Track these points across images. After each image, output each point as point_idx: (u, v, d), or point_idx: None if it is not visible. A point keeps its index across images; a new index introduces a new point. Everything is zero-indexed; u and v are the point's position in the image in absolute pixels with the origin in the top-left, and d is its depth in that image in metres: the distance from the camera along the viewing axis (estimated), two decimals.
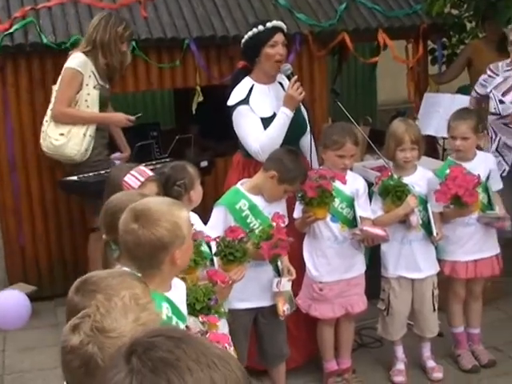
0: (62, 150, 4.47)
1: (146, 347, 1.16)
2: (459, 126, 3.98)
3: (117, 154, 4.87)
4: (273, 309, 3.60)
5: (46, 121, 4.55)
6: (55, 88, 4.53)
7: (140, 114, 4.74)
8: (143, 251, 2.29)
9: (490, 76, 4.87)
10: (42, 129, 4.59)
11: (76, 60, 4.44)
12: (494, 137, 4.82)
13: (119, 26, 4.51)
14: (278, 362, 3.77)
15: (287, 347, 3.76)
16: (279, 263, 3.58)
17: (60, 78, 4.49)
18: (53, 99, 4.53)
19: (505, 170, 4.60)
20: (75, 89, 4.44)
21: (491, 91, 4.81)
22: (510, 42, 4.69)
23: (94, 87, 4.49)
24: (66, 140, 4.45)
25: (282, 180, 3.51)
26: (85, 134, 4.45)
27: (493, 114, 4.78)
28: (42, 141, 4.58)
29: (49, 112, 4.55)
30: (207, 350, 1.17)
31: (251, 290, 3.55)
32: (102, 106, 4.57)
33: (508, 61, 4.81)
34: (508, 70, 4.76)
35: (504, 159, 4.67)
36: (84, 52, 4.47)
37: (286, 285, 3.55)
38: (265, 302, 3.63)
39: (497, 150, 4.78)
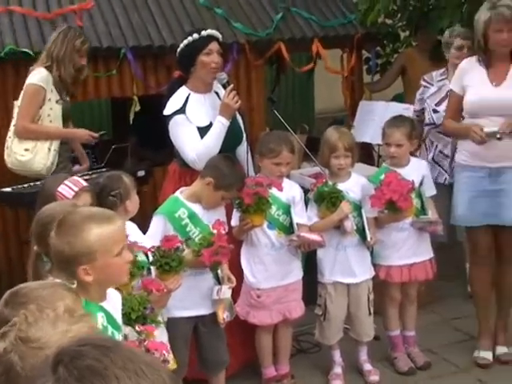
0: (29, 166, 4.42)
1: (73, 356, 1.15)
2: (393, 133, 4.08)
3: (76, 167, 4.83)
4: (213, 317, 3.61)
5: (10, 137, 4.49)
6: (17, 104, 4.48)
7: (104, 132, 4.72)
8: (56, 260, 2.29)
9: (425, 87, 4.97)
10: (5, 145, 4.53)
11: (38, 76, 4.40)
12: (430, 146, 4.93)
13: (77, 39, 4.48)
14: (218, 369, 3.78)
15: (227, 354, 3.78)
16: (219, 271, 3.59)
17: (22, 93, 4.44)
18: (15, 115, 4.48)
19: (446, 178, 4.67)
20: (38, 104, 4.40)
21: (425, 101, 4.92)
22: (456, 46, 4.74)
23: (57, 102, 4.45)
24: (32, 155, 4.40)
25: (218, 186, 3.53)
26: (49, 149, 4.41)
27: (428, 124, 4.89)
28: (6, 157, 4.51)
29: (12, 128, 4.49)
30: (135, 358, 1.17)
31: (191, 298, 3.56)
32: (65, 121, 4.55)
33: (442, 70, 4.91)
34: (442, 80, 4.86)
35: (442, 168, 4.77)
36: (45, 67, 4.43)
37: (226, 292, 3.56)
38: (205, 310, 3.64)
39: (433, 159, 4.88)
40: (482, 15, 3.97)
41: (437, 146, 4.84)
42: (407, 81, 6.09)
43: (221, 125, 3.92)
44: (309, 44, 5.50)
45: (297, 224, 3.81)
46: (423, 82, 4.98)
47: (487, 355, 4.20)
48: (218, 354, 3.72)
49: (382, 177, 4.01)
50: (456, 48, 4.74)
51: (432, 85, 4.91)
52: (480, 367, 4.16)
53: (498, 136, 3.82)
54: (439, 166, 4.81)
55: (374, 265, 4.09)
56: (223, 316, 3.56)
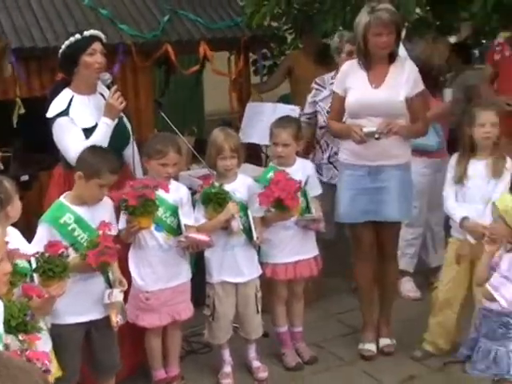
0: None
1: None
2: (280, 134, 4.16)
3: None
4: (106, 321, 3.57)
5: None
6: None
7: (8, 155, 4.58)
8: None
9: (317, 89, 5.09)
10: None
11: None
12: (325, 148, 5.05)
13: None
14: (111, 373, 3.74)
15: (119, 358, 3.75)
16: (110, 274, 3.56)
17: None
18: None
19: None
20: None
21: (318, 104, 5.04)
22: (346, 52, 4.88)
23: None
24: None
25: (88, 176, 3.46)
26: None
27: (322, 127, 5.00)
28: None
29: None
30: (9, 363, 1.17)
31: (83, 303, 3.51)
32: None
33: (332, 74, 5.02)
34: (333, 83, 4.98)
35: (336, 168, 4.89)
36: None
37: (117, 296, 3.53)
38: (97, 315, 3.58)
39: (329, 160, 5.01)
40: (362, 19, 4.09)
41: (332, 147, 4.96)
42: (294, 82, 6.23)
43: (106, 125, 3.90)
44: (196, 46, 5.52)
45: (184, 225, 3.83)
46: (315, 85, 5.09)
47: (371, 347, 4.35)
48: (111, 358, 3.69)
49: (270, 175, 4.10)
50: (346, 53, 4.87)
51: (325, 88, 5.03)
52: (365, 359, 4.31)
53: (377, 136, 3.97)
54: (334, 166, 4.94)
55: (261, 263, 4.16)
56: (116, 319, 3.53)
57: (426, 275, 5.36)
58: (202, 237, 3.84)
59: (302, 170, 4.24)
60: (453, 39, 7.64)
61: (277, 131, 4.18)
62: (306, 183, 4.19)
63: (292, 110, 5.18)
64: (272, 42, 6.36)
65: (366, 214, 4.19)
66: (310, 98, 5.14)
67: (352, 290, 4.83)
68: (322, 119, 5.00)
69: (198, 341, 4.46)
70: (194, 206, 4.03)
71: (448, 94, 5.08)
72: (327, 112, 4.90)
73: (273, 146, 4.24)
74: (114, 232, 3.58)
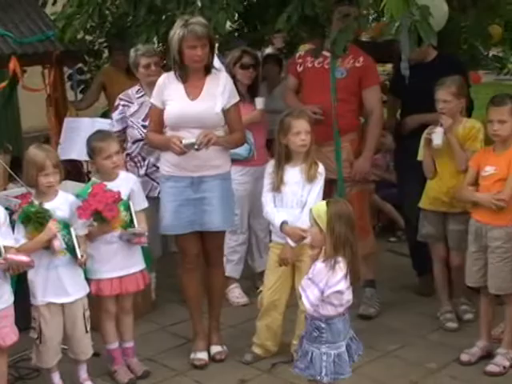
0: None
1: None
2: (111, 144, 4.13)
3: None
4: None
5: None
6: None
7: None
8: None
9: (124, 105, 5.08)
10: None
11: None
12: (141, 162, 5.03)
13: None
14: None
15: None
16: None
17: None
18: None
19: (159, 191, 4.62)
20: None
21: (129, 119, 5.03)
22: (143, 65, 4.96)
23: None
24: None
25: None
26: None
27: (138, 140, 4.99)
28: None
29: None
30: None
31: None
32: None
33: (136, 88, 5.08)
34: (141, 97, 5.02)
35: (155, 181, 4.89)
36: None
37: None
38: None
39: (146, 174, 4.99)
40: (177, 32, 4.16)
41: (149, 160, 4.96)
42: (108, 97, 6.18)
43: None
44: (6, 61, 5.33)
45: (4, 247, 3.69)
46: (121, 102, 5.10)
47: (203, 355, 4.39)
48: None
49: (90, 190, 4.04)
50: (143, 67, 4.98)
51: (132, 103, 5.06)
52: (197, 368, 4.34)
53: (196, 147, 4.05)
54: (152, 179, 4.93)
55: (88, 280, 4.09)
56: None
57: (253, 280, 5.50)
58: (22, 257, 3.72)
59: (125, 183, 4.22)
60: (269, 50, 7.93)
61: (105, 144, 4.13)
62: (129, 197, 4.17)
63: (110, 125, 5.15)
64: (88, 56, 6.27)
65: (191, 224, 4.24)
66: (116, 116, 5.12)
67: (182, 301, 4.83)
68: (137, 133, 5.00)
69: (25, 366, 4.28)
70: (13, 226, 3.89)
71: (259, 102, 5.22)
72: (142, 126, 4.91)
73: (104, 161, 4.15)
74: None
